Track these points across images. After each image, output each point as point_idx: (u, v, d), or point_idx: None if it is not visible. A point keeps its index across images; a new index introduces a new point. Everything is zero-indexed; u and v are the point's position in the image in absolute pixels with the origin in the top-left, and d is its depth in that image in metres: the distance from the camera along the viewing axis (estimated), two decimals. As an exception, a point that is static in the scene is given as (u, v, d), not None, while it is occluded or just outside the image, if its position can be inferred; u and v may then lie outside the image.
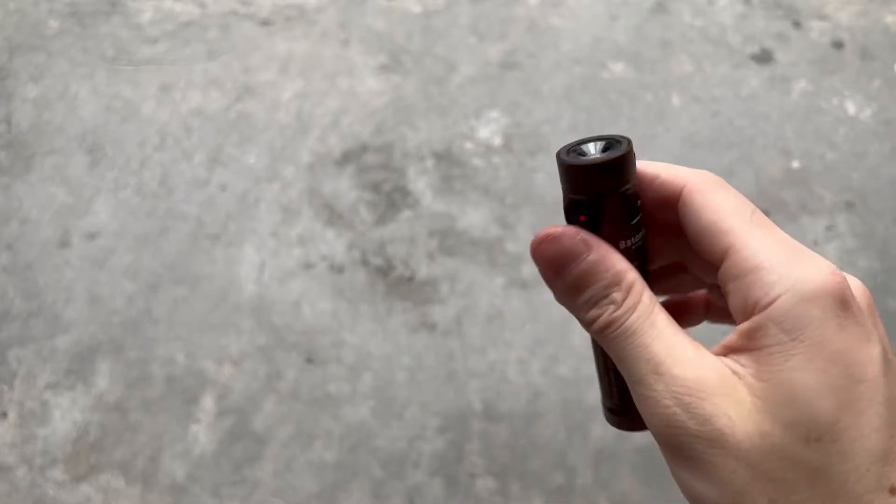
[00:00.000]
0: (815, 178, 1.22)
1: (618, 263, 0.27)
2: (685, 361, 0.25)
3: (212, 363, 1.07)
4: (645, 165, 0.29)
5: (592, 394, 1.03)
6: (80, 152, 1.26)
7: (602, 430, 1.01)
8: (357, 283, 1.13)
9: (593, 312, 0.27)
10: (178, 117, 1.29)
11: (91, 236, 1.18)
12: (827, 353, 0.24)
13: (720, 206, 0.27)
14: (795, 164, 1.23)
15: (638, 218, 0.28)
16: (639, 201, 0.28)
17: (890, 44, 1.36)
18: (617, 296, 0.27)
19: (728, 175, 1.21)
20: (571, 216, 0.28)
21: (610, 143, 0.28)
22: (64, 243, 1.17)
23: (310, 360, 1.07)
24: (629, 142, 0.27)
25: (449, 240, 1.16)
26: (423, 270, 1.14)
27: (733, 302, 0.26)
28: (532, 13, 1.41)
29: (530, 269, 1.13)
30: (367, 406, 1.04)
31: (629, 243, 0.28)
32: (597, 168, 0.27)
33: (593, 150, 0.28)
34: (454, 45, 1.37)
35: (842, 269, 0.27)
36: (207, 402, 1.04)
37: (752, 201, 0.28)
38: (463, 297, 1.11)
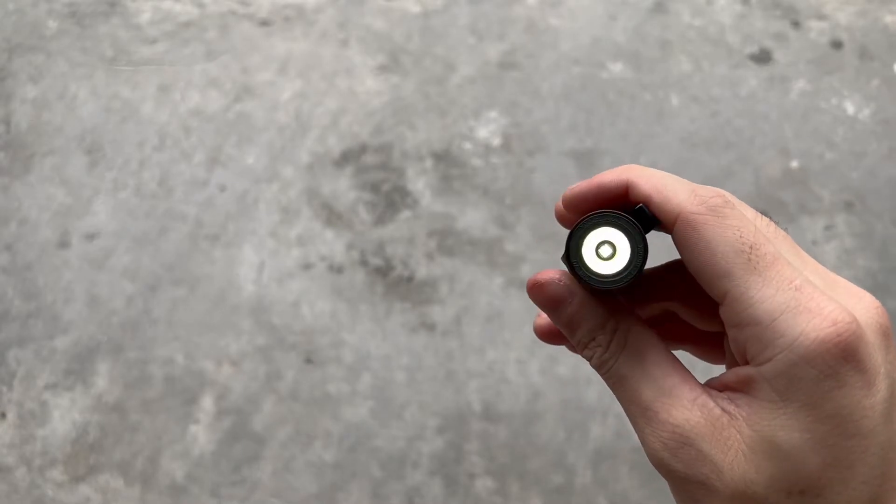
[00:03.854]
0: (813, 178, 1.22)
1: (600, 307, 0.27)
2: (674, 404, 0.25)
3: (211, 363, 1.07)
4: (635, 183, 0.28)
5: (591, 394, 1.03)
6: (79, 153, 1.26)
7: (601, 429, 1.01)
8: (356, 283, 1.13)
9: (586, 353, 0.28)
10: (178, 118, 1.29)
11: (90, 237, 1.17)
12: (817, 414, 0.24)
13: (715, 245, 0.25)
14: (794, 164, 1.23)
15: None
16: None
17: (889, 43, 1.37)
18: (602, 339, 0.27)
19: (727, 175, 1.22)
20: (566, 261, 0.29)
21: (625, 229, 0.27)
22: (63, 244, 1.17)
23: (309, 361, 1.07)
24: (643, 256, 0.26)
25: (448, 240, 1.16)
26: (422, 270, 1.14)
27: (732, 346, 0.26)
28: (531, 13, 1.41)
29: (529, 269, 1.13)
30: (366, 406, 1.04)
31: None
32: (604, 289, 0.27)
33: (600, 251, 0.27)
34: (453, 46, 1.37)
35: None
36: (207, 403, 1.04)
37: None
38: (462, 297, 1.11)
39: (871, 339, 0.24)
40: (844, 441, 0.24)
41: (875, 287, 1.11)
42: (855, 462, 0.24)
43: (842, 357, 0.23)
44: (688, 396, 0.25)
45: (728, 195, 0.27)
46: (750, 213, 0.27)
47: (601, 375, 0.28)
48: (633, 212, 0.27)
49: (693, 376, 0.27)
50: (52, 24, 1.41)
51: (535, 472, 0.99)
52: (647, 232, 0.27)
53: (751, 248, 0.25)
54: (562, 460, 0.99)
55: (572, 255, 0.27)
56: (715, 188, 0.27)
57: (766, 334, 0.24)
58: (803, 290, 0.24)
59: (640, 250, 0.26)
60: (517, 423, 1.02)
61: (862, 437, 0.23)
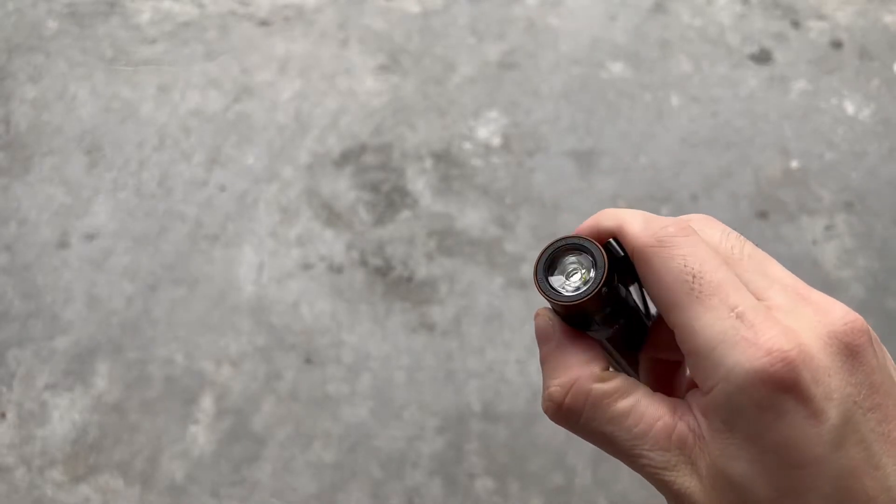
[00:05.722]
0: (813, 178, 1.22)
1: (567, 363, 0.27)
2: (650, 441, 0.26)
3: (211, 364, 1.07)
4: (602, 223, 0.28)
5: (591, 394, 1.03)
6: (79, 153, 1.26)
7: (601, 430, 1.01)
8: (356, 283, 1.13)
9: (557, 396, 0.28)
10: (177, 118, 1.29)
11: (90, 237, 1.17)
12: (761, 445, 0.23)
13: (662, 276, 0.25)
14: (794, 164, 1.23)
15: (612, 310, 0.28)
16: (616, 292, 0.28)
17: (888, 43, 1.37)
18: (563, 396, 0.27)
19: (727, 175, 1.22)
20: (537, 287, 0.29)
21: (589, 254, 0.27)
22: (63, 244, 1.17)
23: (308, 361, 1.07)
24: (603, 274, 0.27)
25: (448, 240, 1.16)
26: (421, 270, 1.14)
27: (690, 374, 0.26)
28: (531, 13, 1.41)
29: (529, 269, 1.13)
30: (365, 406, 1.04)
31: (603, 333, 0.29)
32: (566, 306, 0.27)
33: (570, 275, 0.28)
34: (453, 46, 1.37)
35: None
36: (206, 403, 1.04)
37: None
38: (462, 297, 1.11)
39: (823, 362, 0.24)
40: (792, 471, 0.23)
41: (875, 287, 1.10)
42: (806, 492, 0.23)
43: (779, 387, 0.23)
44: (665, 428, 0.26)
45: (689, 223, 0.27)
46: (717, 232, 0.27)
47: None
48: (603, 245, 0.27)
49: (664, 407, 0.26)
50: (52, 24, 1.41)
51: (534, 472, 0.99)
52: (619, 263, 0.27)
53: (693, 276, 0.25)
54: (562, 460, 0.99)
55: (539, 276, 0.28)
56: (678, 218, 0.27)
57: (706, 364, 0.24)
58: (744, 318, 0.24)
59: (601, 270, 0.27)
60: (517, 423, 1.02)
61: (810, 467, 0.23)
